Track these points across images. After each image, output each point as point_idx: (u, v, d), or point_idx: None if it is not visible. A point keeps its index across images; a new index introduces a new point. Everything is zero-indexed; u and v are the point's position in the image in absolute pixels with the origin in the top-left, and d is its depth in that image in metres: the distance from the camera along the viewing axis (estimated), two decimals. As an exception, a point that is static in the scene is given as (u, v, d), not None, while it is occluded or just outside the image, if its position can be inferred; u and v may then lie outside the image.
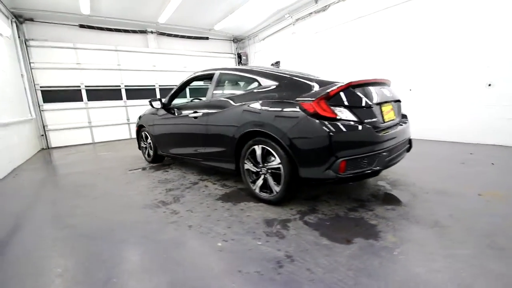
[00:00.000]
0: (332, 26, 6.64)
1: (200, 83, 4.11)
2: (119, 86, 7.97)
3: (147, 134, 4.25)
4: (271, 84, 2.40)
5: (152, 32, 8.32)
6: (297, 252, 1.64)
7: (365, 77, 2.28)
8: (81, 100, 7.41)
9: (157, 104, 3.70)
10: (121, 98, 8.04)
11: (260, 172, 2.40)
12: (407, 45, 5.16)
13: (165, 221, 2.19)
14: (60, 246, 1.90)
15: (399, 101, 2.59)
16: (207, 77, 3.54)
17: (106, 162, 4.79)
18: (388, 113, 2.29)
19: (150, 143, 4.24)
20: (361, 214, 2.12)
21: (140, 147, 4.68)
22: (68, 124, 7.28)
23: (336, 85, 2.06)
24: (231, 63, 10.31)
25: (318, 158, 1.98)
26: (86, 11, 6.26)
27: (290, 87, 2.26)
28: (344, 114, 1.98)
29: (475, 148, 4.06)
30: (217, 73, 3.02)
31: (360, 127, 1.96)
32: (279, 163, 2.19)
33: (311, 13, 7.10)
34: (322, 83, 2.15)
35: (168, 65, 8.76)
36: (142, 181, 3.38)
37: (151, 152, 4.28)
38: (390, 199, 2.37)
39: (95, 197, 2.89)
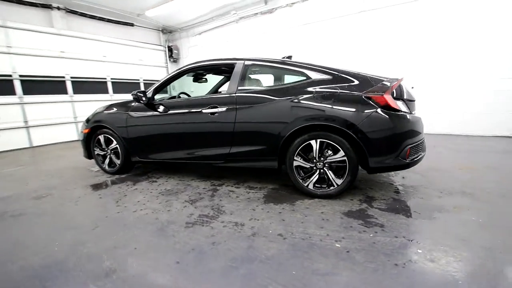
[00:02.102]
0: (280, 29, 6.99)
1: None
2: (11, 76, 5.75)
3: (112, 138, 3.30)
4: (324, 77, 2.37)
5: (58, 9, 6.41)
6: (412, 235, 1.73)
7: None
8: None
9: (144, 98, 2.94)
10: (14, 93, 5.83)
11: (315, 167, 2.34)
12: (350, 52, 6.06)
13: (241, 236, 1.82)
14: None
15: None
16: (217, 68, 3.13)
17: (36, 180, 3.40)
18: (409, 106, 2.69)
19: (116, 148, 3.32)
20: (408, 195, 2.41)
21: (92, 156, 3.58)
22: None
23: (387, 80, 2.25)
24: (161, 56, 9.22)
25: (390, 146, 2.12)
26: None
27: (346, 81, 2.30)
28: (402, 106, 2.20)
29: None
30: (239, 63, 2.69)
31: (417, 117, 2.23)
32: (343, 156, 2.21)
33: (257, 13, 7.24)
34: (374, 79, 2.29)
35: (83, 52, 6.98)
36: (135, 197, 2.62)
37: (118, 160, 3.36)
38: (411, 180, 2.79)
39: (93, 227, 2.05)
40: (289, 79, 2.67)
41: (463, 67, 5.00)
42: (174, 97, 3.48)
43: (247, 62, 2.67)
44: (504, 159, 3.47)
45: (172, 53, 9.25)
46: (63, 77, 6.65)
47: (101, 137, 3.40)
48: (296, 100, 2.32)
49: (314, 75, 2.40)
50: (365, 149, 2.14)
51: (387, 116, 2.10)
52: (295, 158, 2.38)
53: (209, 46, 8.61)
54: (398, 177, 2.88)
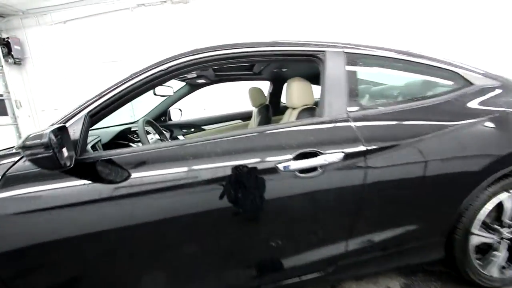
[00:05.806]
0: (198, 24, 5.44)
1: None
2: None
3: None
4: (491, 84, 1.39)
5: None
6: None
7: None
8: None
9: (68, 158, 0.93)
10: None
11: (500, 239, 1.34)
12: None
13: None
14: None
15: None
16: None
17: None
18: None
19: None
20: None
21: None
22: None
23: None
24: (-15, 54, 5.38)
25: None
26: None
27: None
28: None
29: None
30: (334, 54, 1.23)
31: None
32: None
33: (165, 0, 5.37)
34: None
35: None
36: None
37: None
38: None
39: None
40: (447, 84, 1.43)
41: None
42: (124, 132, 1.50)
43: (351, 52, 1.28)
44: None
45: (10, 50, 5.58)
46: None
47: None
48: (482, 125, 1.23)
49: (478, 80, 1.38)
50: None
51: None
52: (474, 230, 1.28)
53: (82, 41, 5.75)
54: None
